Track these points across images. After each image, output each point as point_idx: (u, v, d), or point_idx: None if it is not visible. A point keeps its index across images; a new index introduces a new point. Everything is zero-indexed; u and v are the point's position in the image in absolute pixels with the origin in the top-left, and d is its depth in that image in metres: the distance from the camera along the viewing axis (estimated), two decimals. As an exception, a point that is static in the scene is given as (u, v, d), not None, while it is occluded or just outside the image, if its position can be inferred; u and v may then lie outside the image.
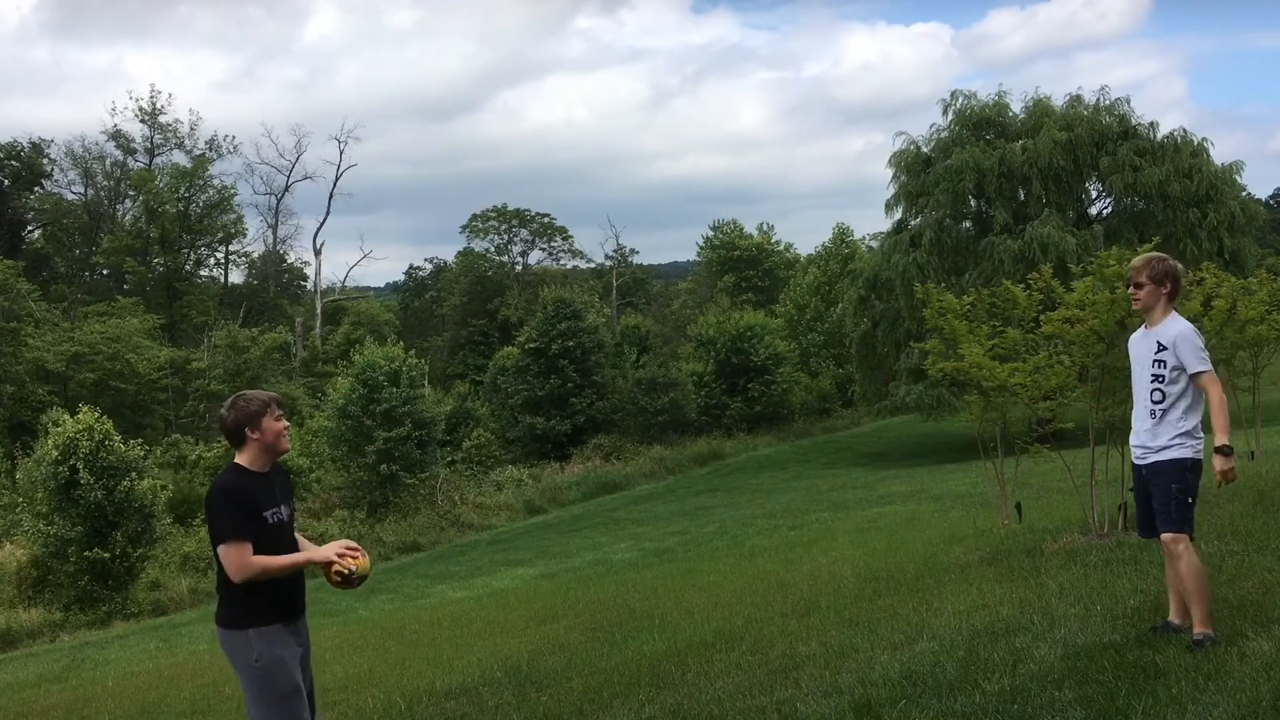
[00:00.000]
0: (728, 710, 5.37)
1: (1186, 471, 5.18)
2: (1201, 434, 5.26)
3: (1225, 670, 4.60)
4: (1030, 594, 6.79)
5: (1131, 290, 5.42)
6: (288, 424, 4.81)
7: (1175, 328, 5.26)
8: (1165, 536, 5.18)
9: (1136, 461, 5.40)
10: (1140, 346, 5.41)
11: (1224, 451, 5.10)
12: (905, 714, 4.76)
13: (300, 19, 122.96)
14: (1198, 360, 5.16)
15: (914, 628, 6.48)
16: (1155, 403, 5.24)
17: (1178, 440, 5.17)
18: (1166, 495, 5.17)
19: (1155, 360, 5.24)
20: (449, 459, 32.65)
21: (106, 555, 20.52)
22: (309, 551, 4.73)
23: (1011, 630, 5.87)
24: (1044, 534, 9.00)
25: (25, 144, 54.82)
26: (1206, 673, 4.59)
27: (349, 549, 4.68)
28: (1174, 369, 5.19)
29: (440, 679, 7.71)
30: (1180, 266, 5.48)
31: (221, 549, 4.48)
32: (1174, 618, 5.34)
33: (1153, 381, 5.25)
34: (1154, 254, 5.51)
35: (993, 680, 4.97)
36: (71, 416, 22.30)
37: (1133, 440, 5.44)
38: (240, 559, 4.46)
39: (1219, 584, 5.90)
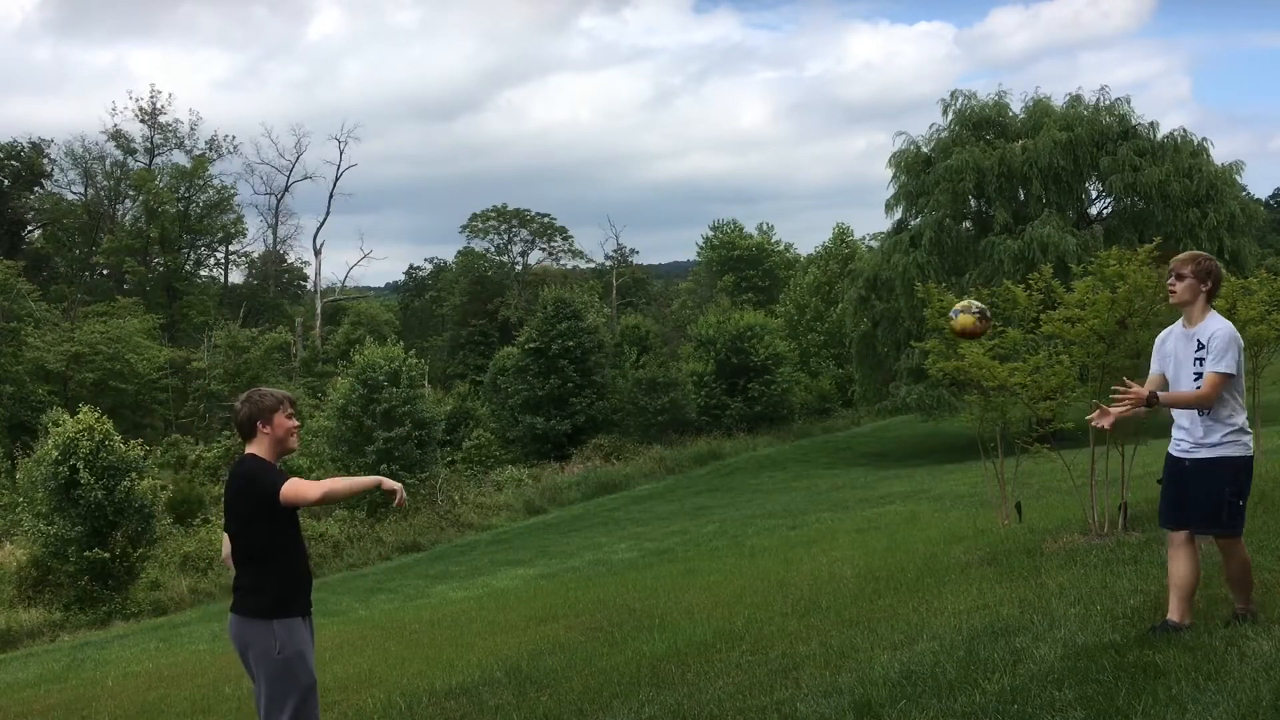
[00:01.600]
0: (728, 710, 5.37)
1: (1240, 472, 5.16)
2: (1249, 430, 5.25)
3: (1225, 670, 4.60)
4: (1030, 594, 6.79)
5: (1171, 281, 5.36)
6: (298, 424, 4.91)
7: (1213, 326, 5.23)
8: (1222, 541, 5.22)
9: (1178, 454, 5.33)
10: (1180, 345, 5.35)
11: (1150, 400, 5.09)
12: (905, 714, 4.76)
13: (303, 18, 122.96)
14: (1217, 360, 5.13)
15: (914, 628, 6.48)
16: None
17: (1231, 438, 5.15)
18: (1218, 498, 5.13)
19: (1197, 358, 5.22)
20: (449, 459, 32.67)
21: (106, 555, 20.52)
22: (364, 478, 4.95)
23: (1011, 630, 5.87)
24: (1044, 534, 9.01)
25: (25, 144, 54.90)
26: (1206, 673, 4.59)
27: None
28: None
29: (440, 679, 7.71)
30: (1222, 270, 5.48)
31: (287, 488, 4.53)
32: (1172, 616, 5.34)
33: (1195, 381, 5.21)
34: (1199, 252, 5.53)
35: (993, 680, 4.97)
36: (71, 416, 22.31)
37: (1176, 435, 5.38)
38: (304, 483, 4.59)
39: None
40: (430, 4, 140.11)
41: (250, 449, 4.80)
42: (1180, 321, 5.46)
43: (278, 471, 4.70)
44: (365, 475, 4.97)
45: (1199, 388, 5.16)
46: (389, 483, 4.80)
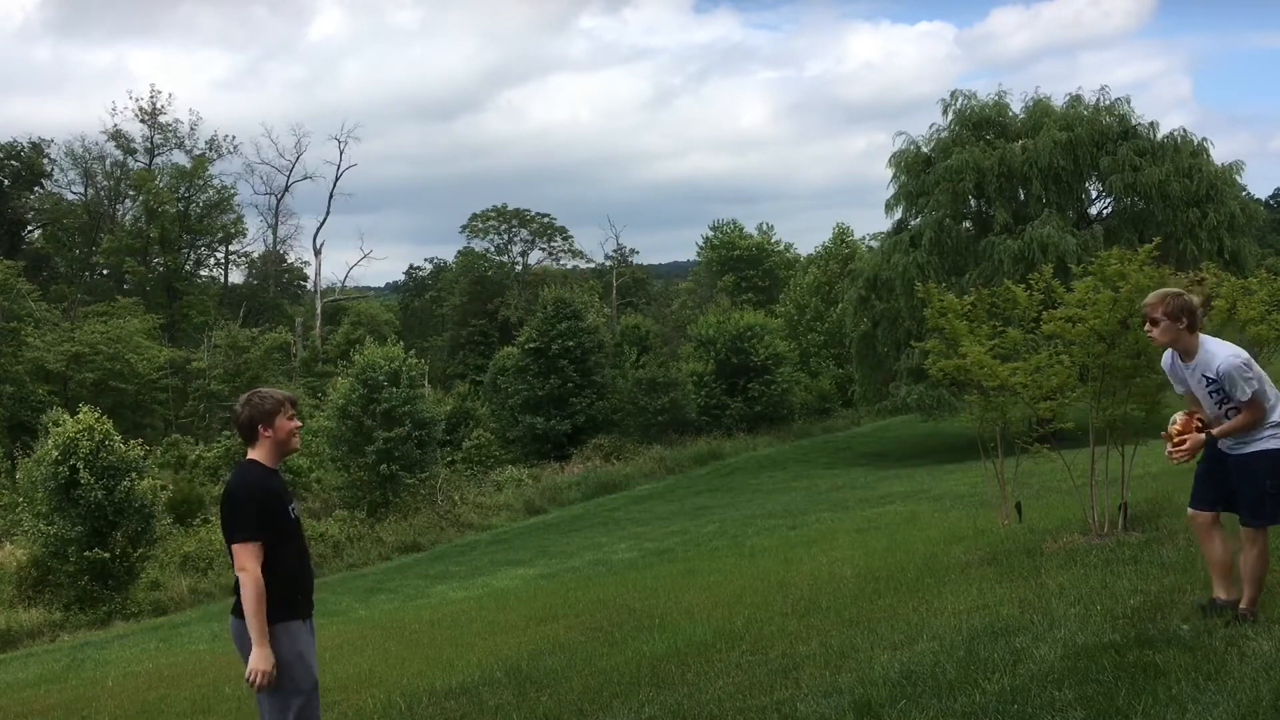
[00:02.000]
0: (728, 710, 5.37)
1: (1279, 464, 5.27)
2: None
3: (1225, 670, 4.61)
4: (1030, 594, 6.79)
5: (1147, 328, 5.52)
6: (300, 424, 4.87)
7: (1215, 360, 5.33)
8: (1252, 531, 5.31)
9: (1223, 448, 5.45)
10: (1190, 379, 5.49)
11: (1206, 435, 5.33)
12: (905, 714, 4.76)
13: (304, 18, 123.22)
14: (1246, 387, 5.25)
15: (914, 628, 6.48)
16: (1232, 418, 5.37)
17: (1270, 432, 5.28)
18: (1259, 490, 5.26)
19: (1212, 392, 5.38)
20: (449, 459, 32.66)
21: (106, 555, 20.52)
22: (262, 633, 4.56)
23: (1011, 630, 5.87)
24: (1044, 534, 9.00)
25: (25, 144, 54.90)
26: (1206, 673, 4.59)
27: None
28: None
29: (440, 679, 7.71)
30: (1195, 300, 5.57)
31: (237, 546, 4.54)
32: (1219, 594, 5.49)
33: (1221, 406, 5.37)
34: (1167, 290, 5.61)
35: (993, 680, 4.97)
36: (71, 416, 22.30)
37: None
38: (253, 558, 4.53)
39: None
40: (431, 4, 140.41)
41: (252, 453, 4.76)
42: (1177, 354, 5.56)
43: (254, 505, 4.60)
44: (260, 631, 4.53)
45: (1234, 408, 5.33)
46: (255, 662, 4.50)
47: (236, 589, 4.79)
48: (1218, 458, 5.47)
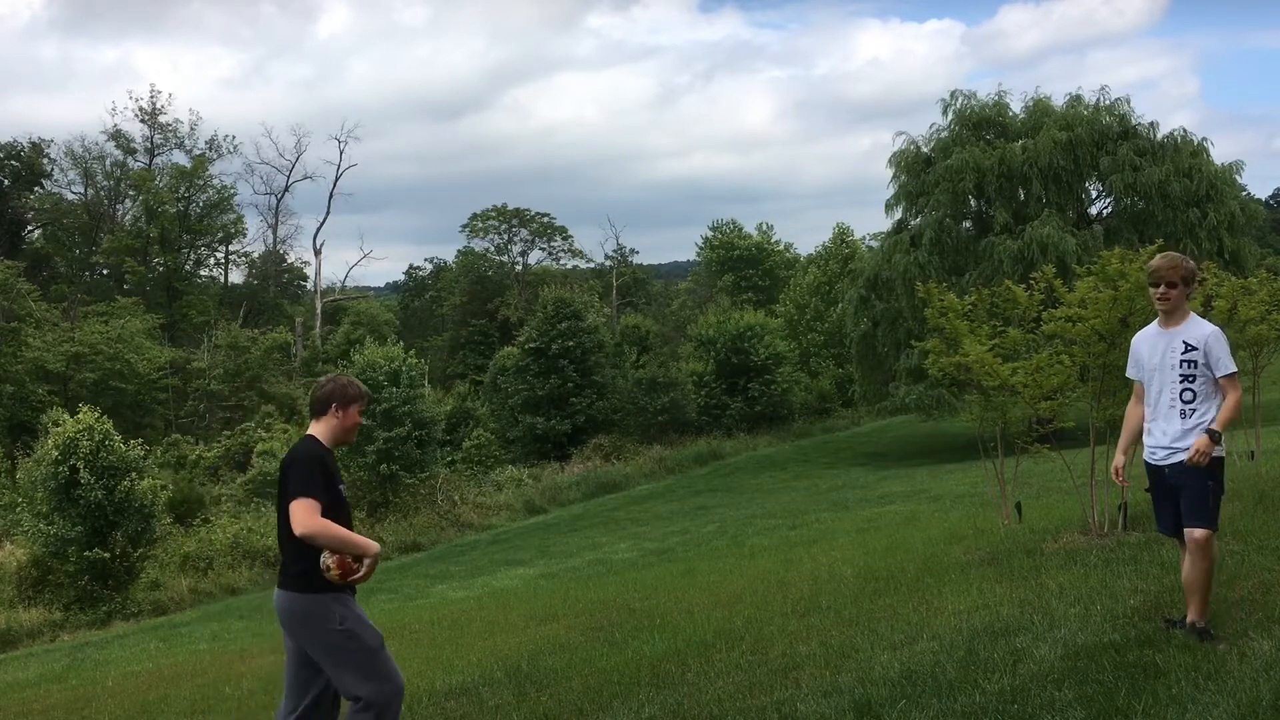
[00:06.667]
0: (728, 710, 5.37)
1: (1217, 469, 5.21)
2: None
3: (1225, 670, 4.61)
4: (1030, 594, 6.79)
5: (1163, 289, 5.36)
6: (362, 422, 5.14)
7: (1204, 328, 5.30)
8: (1199, 533, 5.17)
9: (1156, 462, 5.37)
10: (1160, 346, 5.39)
11: (1212, 436, 5.15)
12: (905, 714, 4.76)
13: (311, 16, 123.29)
14: (1230, 361, 5.22)
15: (914, 628, 6.48)
16: (1185, 402, 5.26)
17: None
18: (1202, 491, 5.17)
19: (1184, 360, 5.27)
20: (449, 459, 32.65)
21: (106, 555, 20.50)
22: (364, 539, 4.79)
23: (1011, 630, 5.87)
24: (1044, 534, 9.00)
25: (25, 144, 54.90)
26: (1206, 673, 4.59)
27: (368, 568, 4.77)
28: (1204, 368, 5.23)
29: (440, 679, 7.71)
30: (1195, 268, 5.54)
31: (295, 503, 4.62)
32: (1192, 615, 5.35)
33: (1183, 381, 5.27)
34: (1177, 255, 5.51)
35: (993, 680, 4.97)
36: (71, 416, 22.30)
37: (1151, 441, 5.41)
38: (313, 512, 4.60)
39: (1219, 584, 5.89)
40: (438, 2, 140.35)
41: (313, 429, 4.93)
42: (1156, 323, 5.50)
43: (317, 470, 4.73)
44: (364, 537, 4.82)
45: (1190, 389, 5.23)
46: (372, 549, 4.74)
47: (285, 560, 4.84)
48: (1158, 477, 5.40)
